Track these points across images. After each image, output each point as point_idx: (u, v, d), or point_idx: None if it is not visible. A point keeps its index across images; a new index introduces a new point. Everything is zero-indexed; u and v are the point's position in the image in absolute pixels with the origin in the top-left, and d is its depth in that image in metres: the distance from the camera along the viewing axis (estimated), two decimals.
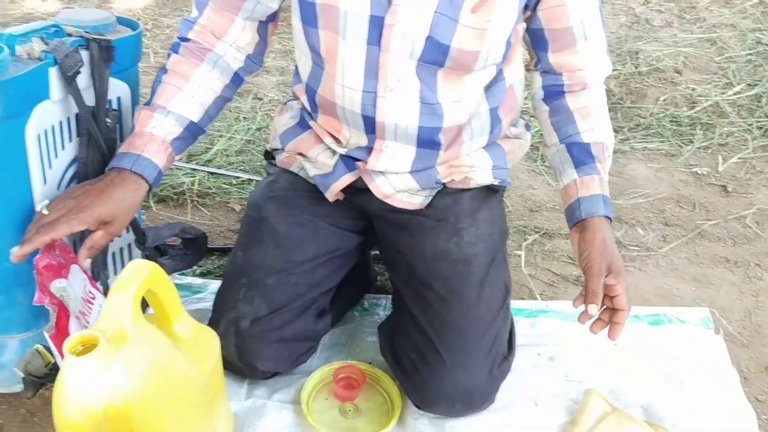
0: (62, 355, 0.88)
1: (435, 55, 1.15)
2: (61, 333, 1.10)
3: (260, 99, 2.55)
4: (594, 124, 1.26)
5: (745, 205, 2.11)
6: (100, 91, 1.20)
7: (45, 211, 1.08)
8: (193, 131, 1.23)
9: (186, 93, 1.21)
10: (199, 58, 1.23)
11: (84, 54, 1.18)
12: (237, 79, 1.29)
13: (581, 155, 1.24)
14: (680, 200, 2.12)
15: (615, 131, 2.47)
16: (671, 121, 2.57)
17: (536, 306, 1.62)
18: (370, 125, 1.24)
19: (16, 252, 1.04)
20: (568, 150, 1.25)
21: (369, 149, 1.28)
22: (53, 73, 1.12)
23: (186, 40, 1.25)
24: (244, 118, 2.38)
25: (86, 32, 1.20)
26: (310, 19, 1.19)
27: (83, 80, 1.18)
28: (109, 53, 1.20)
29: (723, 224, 2.02)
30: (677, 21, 3.34)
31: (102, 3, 3.29)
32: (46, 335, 1.10)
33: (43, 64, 1.11)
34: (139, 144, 1.16)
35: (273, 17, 1.29)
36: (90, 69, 1.19)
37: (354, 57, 1.17)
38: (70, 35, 1.20)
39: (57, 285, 1.08)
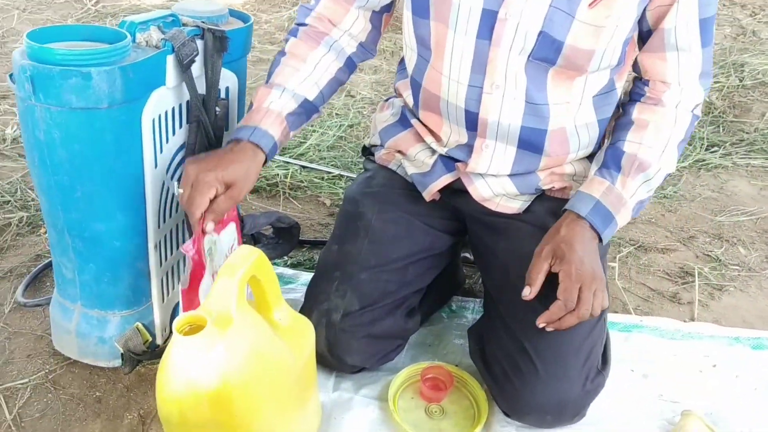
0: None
1: (547, 52, 1.12)
2: (192, 289, 1.11)
3: (353, 96, 2.57)
4: (644, 139, 1.18)
5: None
6: (212, 80, 1.23)
7: (180, 190, 1.11)
8: (307, 109, 1.25)
9: (302, 73, 1.24)
10: (315, 41, 1.27)
11: (199, 43, 1.21)
12: (351, 64, 1.32)
13: (610, 159, 1.19)
14: None
15: (716, 145, 2.38)
16: None
17: (630, 320, 1.56)
18: (472, 122, 1.22)
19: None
20: (606, 151, 1.21)
21: (469, 149, 1.26)
22: (170, 60, 1.15)
23: (303, 25, 1.29)
24: (337, 114, 2.41)
25: (202, 22, 1.23)
26: (421, 10, 1.18)
27: (196, 68, 1.21)
28: (222, 43, 1.22)
29: None
30: None
31: None
32: (180, 288, 1.11)
33: (162, 51, 1.14)
34: (256, 118, 1.19)
35: (388, 8, 1.30)
36: (203, 58, 1.22)
37: (463, 50, 1.16)
38: (185, 25, 1.23)
39: (208, 239, 1.10)
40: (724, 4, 3.40)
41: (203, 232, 1.08)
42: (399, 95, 1.40)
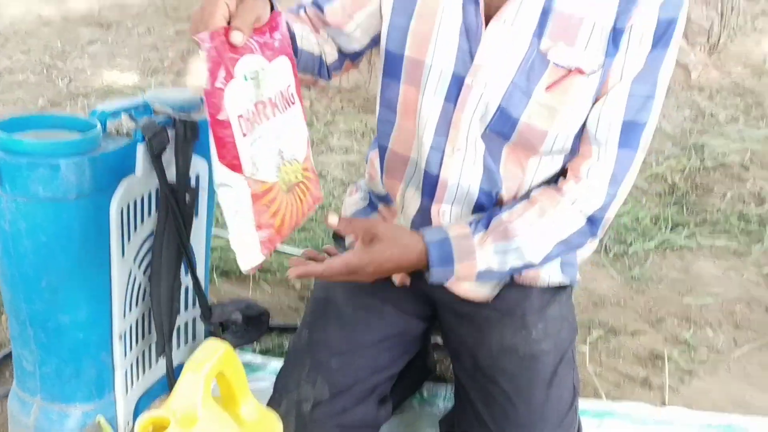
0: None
1: (503, 127, 1.15)
2: (214, 89, 0.91)
3: (323, 177, 2.59)
4: (524, 214, 1.17)
5: None
6: (183, 168, 1.23)
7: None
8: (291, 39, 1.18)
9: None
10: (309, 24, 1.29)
11: (170, 132, 1.21)
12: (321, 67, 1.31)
13: (486, 216, 1.19)
14: (751, 302, 2.04)
15: (680, 225, 2.43)
16: (739, 218, 2.51)
17: (602, 407, 1.56)
18: (431, 186, 1.24)
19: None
20: (492, 209, 1.22)
21: (427, 218, 1.27)
22: (141, 150, 1.16)
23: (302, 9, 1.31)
24: None
25: (173, 111, 1.25)
26: (394, 72, 1.21)
27: (167, 157, 1.22)
28: (194, 133, 1.23)
29: None
30: (743, 117, 3.32)
31: (177, 78, 3.44)
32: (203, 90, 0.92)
33: (133, 141, 1.15)
34: None
35: (353, 57, 1.32)
36: (174, 147, 1.23)
37: (430, 112, 1.18)
38: (157, 113, 1.24)
39: (250, 60, 0.95)
40: (683, 88, 3.54)
41: (231, 44, 0.92)
42: (368, 173, 1.41)
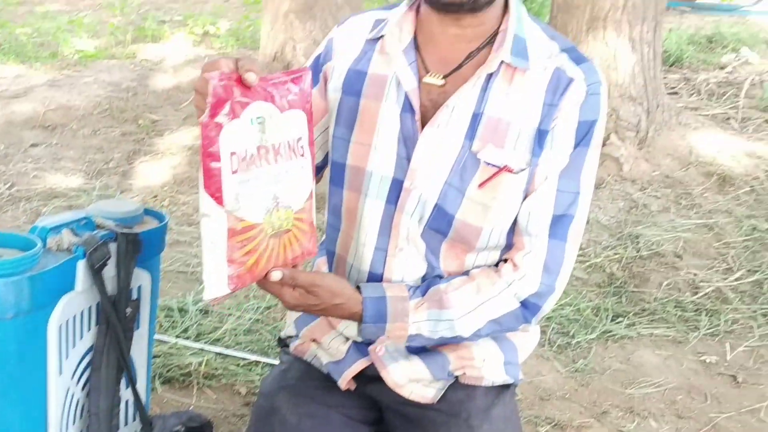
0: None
1: (440, 224, 1.20)
2: (213, 121, 0.94)
3: None
4: (461, 287, 1.20)
5: (757, 397, 2.08)
6: (124, 282, 1.24)
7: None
8: None
9: None
10: None
11: (112, 246, 1.22)
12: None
13: (425, 285, 1.22)
14: (691, 390, 2.09)
15: (620, 315, 2.50)
16: (676, 306, 2.60)
17: None
18: None
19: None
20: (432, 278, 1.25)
21: None
22: (81, 266, 1.16)
23: None
24: (254, 296, 2.41)
25: (115, 225, 1.26)
26: (338, 179, 1.26)
27: (108, 270, 1.22)
28: (135, 246, 1.25)
29: (737, 417, 1.98)
30: (674, 206, 3.47)
31: (123, 179, 3.44)
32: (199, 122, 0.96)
33: (73, 257, 1.15)
34: None
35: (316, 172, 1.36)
36: (116, 260, 1.24)
37: (373, 214, 1.23)
38: (99, 227, 1.25)
39: (260, 106, 0.98)
40: (616, 180, 3.69)
41: (241, 82, 0.96)
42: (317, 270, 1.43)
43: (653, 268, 2.88)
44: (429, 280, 1.25)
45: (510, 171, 1.16)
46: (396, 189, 1.21)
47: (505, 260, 1.24)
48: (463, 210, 1.19)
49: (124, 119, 4.20)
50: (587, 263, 2.89)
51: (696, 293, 2.69)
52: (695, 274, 2.83)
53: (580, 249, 3.01)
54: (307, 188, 1.09)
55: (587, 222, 3.27)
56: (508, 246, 1.24)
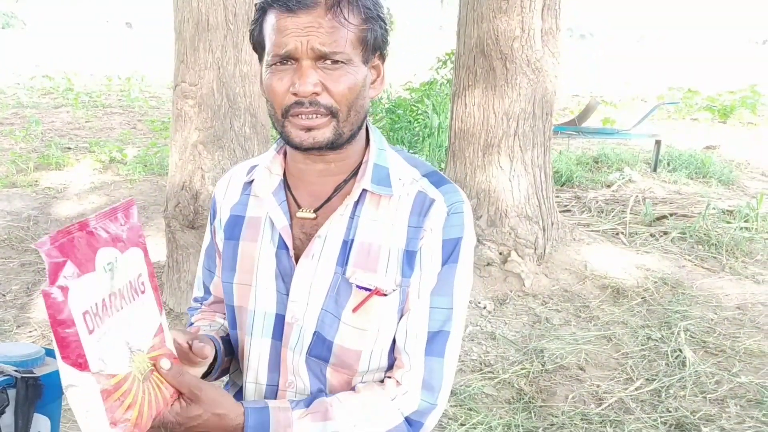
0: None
1: (320, 350, 1.23)
2: (50, 294, 0.88)
3: None
4: (345, 400, 1.21)
5: None
6: (23, 430, 1.20)
7: None
8: (225, 347, 1.32)
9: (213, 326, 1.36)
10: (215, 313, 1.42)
11: (11, 392, 1.19)
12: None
13: (310, 398, 1.23)
14: None
15: (530, 431, 2.54)
16: (582, 419, 2.67)
17: None
18: None
19: None
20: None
21: None
22: None
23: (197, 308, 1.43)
24: None
25: (15, 370, 1.23)
26: (231, 321, 1.30)
27: (6, 418, 1.18)
28: (36, 391, 1.22)
29: None
30: (574, 319, 3.63)
31: (20, 312, 3.30)
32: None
33: None
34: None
35: None
36: (14, 407, 1.20)
37: (261, 352, 1.25)
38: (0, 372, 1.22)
39: (107, 253, 0.95)
40: (519, 295, 3.84)
41: (82, 229, 0.93)
42: None
43: (559, 381, 2.97)
44: (314, 394, 1.25)
45: (381, 294, 1.20)
46: (280, 324, 1.24)
47: (389, 377, 1.27)
48: (341, 335, 1.21)
49: (24, 249, 4.09)
50: (496, 379, 2.96)
51: (600, 404, 2.78)
52: (598, 386, 2.94)
53: (489, 365, 3.10)
54: (153, 324, 1.05)
55: (494, 338, 3.37)
56: (390, 365, 1.27)
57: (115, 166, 6.08)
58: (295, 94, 1.09)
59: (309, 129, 1.12)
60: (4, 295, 3.51)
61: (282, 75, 1.11)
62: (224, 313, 1.40)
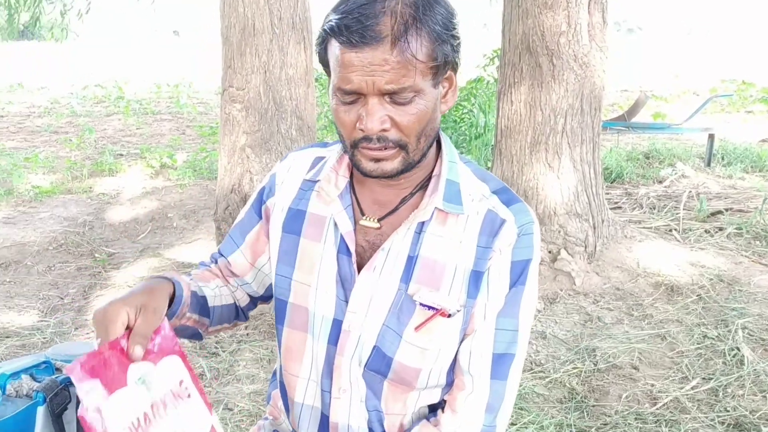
0: None
1: (379, 365, 1.21)
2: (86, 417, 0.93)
3: (230, 410, 2.55)
4: None
5: None
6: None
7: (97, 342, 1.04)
8: (202, 307, 1.27)
9: (206, 286, 1.31)
10: (218, 276, 1.38)
11: (72, 390, 1.22)
12: (240, 314, 1.40)
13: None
14: None
15: (583, 431, 2.51)
16: (636, 418, 2.62)
17: None
18: (324, 428, 1.27)
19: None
20: None
21: None
22: (41, 411, 1.15)
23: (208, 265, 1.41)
24: None
25: None
26: (279, 316, 1.28)
27: (69, 414, 1.21)
28: None
29: None
30: (627, 318, 3.56)
31: (78, 315, 3.40)
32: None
33: (33, 403, 1.15)
34: (167, 275, 1.20)
35: (264, 299, 1.42)
36: (76, 404, 1.23)
37: (317, 355, 1.24)
38: (59, 370, 1.26)
39: (137, 368, 0.99)
40: (569, 294, 3.79)
41: (128, 358, 0.98)
42: (271, 411, 1.42)
43: (612, 381, 2.92)
44: (368, 405, 1.24)
45: (445, 315, 1.17)
46: (336, 330, 1.22)
47: (443, 406, 1.25)
48: (402, 352, 1.19)
49: (80, 254, 4.20)
50: (547, 379, 2.92)
51: (655, 404, 2.72)
52: (652, 385, 2.88)
53: (540, 365, 3.06)
54: (204, 427, 1.09)
55: (544, 337, 3.33)
56: (449, 384, 1.25)
57: (166, 171, 6.21)
58: (362, 130, 1.08)
59: (378, 160, 1.11)
60: (62, 299, 3.61)
61: (349, 108, 1.09)
62: (226, 280, 1.38)
